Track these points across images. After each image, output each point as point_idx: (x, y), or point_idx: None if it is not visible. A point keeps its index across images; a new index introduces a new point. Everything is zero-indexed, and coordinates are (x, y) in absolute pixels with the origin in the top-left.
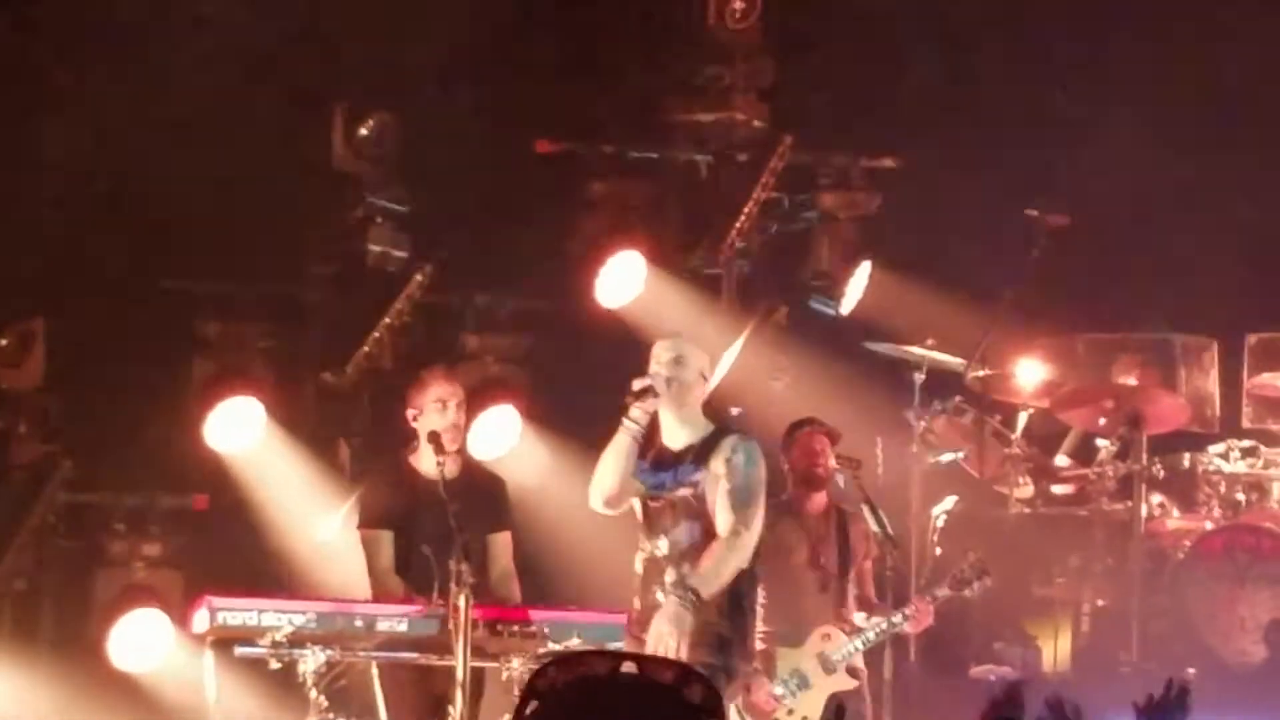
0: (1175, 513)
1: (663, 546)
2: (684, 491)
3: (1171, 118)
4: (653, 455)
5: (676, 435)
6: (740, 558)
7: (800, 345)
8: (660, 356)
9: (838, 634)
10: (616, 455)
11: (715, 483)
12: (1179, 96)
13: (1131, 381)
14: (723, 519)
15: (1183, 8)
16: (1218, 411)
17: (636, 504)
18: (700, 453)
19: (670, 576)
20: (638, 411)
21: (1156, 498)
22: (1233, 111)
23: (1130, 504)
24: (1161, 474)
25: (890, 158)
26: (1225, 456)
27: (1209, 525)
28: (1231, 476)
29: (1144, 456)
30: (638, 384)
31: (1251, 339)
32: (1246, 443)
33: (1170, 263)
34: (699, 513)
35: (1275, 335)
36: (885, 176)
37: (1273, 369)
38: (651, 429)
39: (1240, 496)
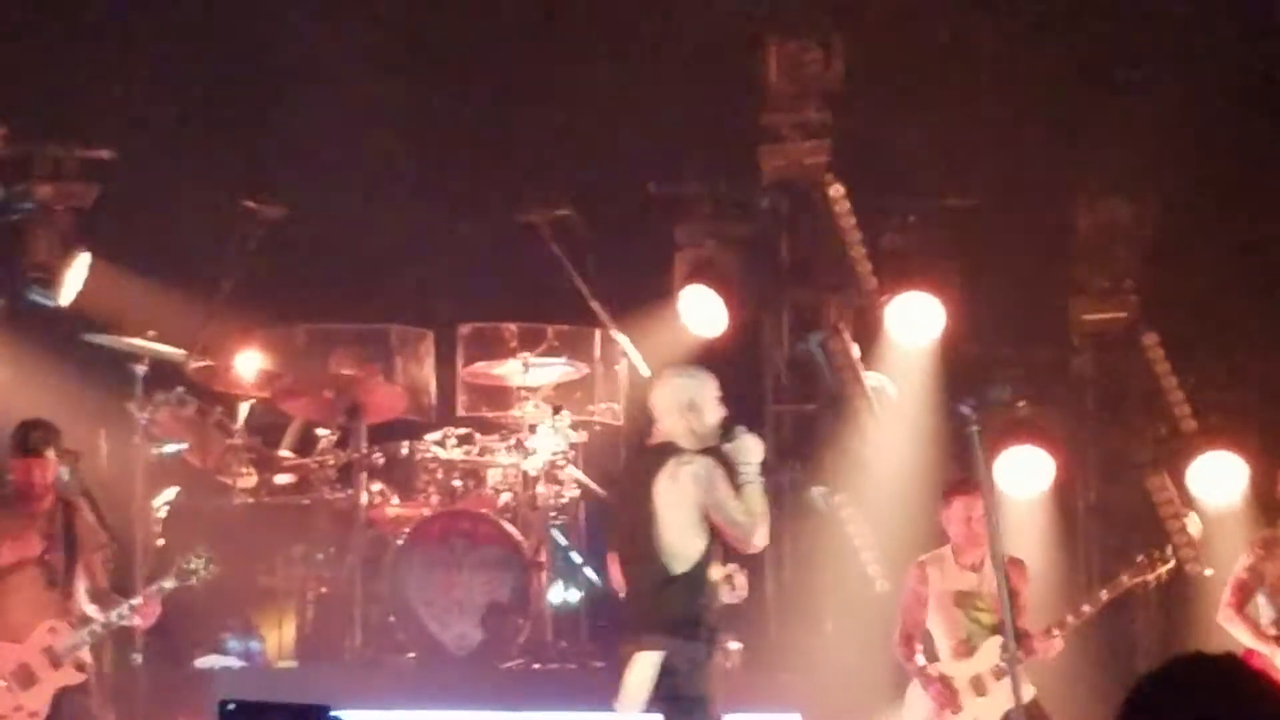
0: (395, 500)
1: None
2: None
3: (390, 107)
4: None
5: None
6: None
7: (19, 338)
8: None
9: (64, 627)
10: None
11: None
12: (391, 85)
13: (350, 371)
14: None
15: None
16: (434, 400)
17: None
18: None
19: None
20: None
21: (376, 485)
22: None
23: (351, 492)
24: (381, 462)
25: (106, 149)
26: (442, 444)
27: (428, 512)
28: (449, 463)
29: (363, 445)
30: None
31: (464, 329)
32: (462, 430)
33: (388, 254)
34: None
35: (486, 325)
36: (102, 167)
37: (484, 358)
38: None
39: (458, 483)
